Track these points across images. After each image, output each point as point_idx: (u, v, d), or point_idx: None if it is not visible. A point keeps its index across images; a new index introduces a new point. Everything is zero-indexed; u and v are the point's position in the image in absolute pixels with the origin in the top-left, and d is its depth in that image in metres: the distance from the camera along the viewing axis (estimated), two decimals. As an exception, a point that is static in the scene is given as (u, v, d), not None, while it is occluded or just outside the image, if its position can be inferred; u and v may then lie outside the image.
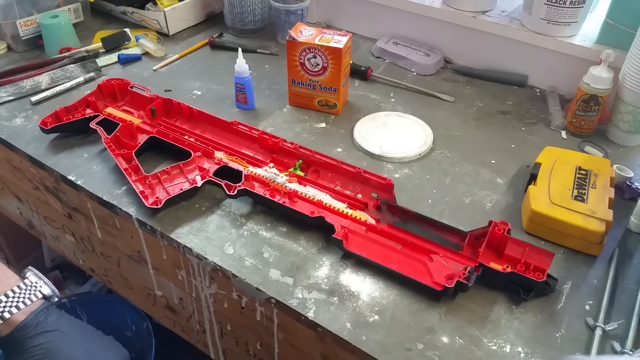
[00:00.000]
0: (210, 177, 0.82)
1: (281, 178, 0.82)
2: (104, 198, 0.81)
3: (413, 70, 1.15)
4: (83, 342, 0.65)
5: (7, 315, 0.61)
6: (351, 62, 1.08)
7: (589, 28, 1.02)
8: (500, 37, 1.08)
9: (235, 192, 0.79)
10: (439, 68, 1.16)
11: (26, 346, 0.61)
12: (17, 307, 0.62)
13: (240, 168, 0.84)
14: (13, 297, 0.62)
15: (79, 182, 0.84)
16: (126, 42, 1.20)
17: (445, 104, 1.05)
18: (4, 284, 0.63)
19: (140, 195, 0.78)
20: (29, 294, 0.64)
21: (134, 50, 1.19)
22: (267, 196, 0.78)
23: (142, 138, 0.89)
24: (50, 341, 0.62)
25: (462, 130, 0.98)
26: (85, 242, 1.04)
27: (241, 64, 0.98)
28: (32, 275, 0.66)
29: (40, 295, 0.64)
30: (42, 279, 0.66)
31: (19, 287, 0.64)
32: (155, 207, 0.76)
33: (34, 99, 1.02)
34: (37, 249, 1.65)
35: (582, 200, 0.74)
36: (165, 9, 1.22)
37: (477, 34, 1.10)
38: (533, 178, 0.79)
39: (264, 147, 0.89)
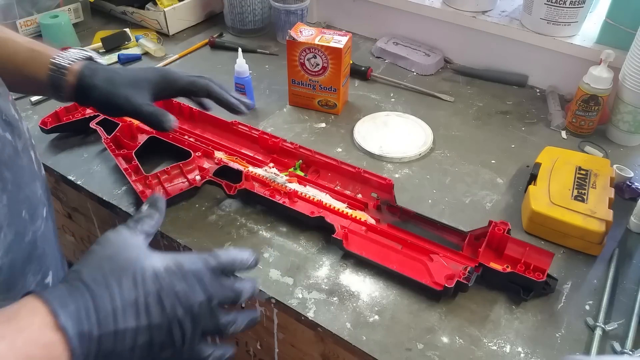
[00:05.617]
0: (210, 177, 0.82)
1: (281, 178, 0.82)
2: (104, 198, 0.81)
3: (413, 70, 1.15)
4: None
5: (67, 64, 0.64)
6: (351, 62, 1.08)
7: (589, 28, 1.02)
8: (500, 37, 1.08)
9: (235, 192, 0.79)
10: (439, 68, 1.16)
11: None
12: (71, 61, 0.64)
13: (240, 168, 0.84)
14: (66, 54, 0.65)
15: (79, 182, 0.84)
16: (126, 42, 1.20)
17: (445, 104, 1.05)
18: (50, 49, 0.65)
19: (140, 195, 0.78)
20: (78, 53, 0.66)
21: (134, 50, 1.19)
22: (267, 196, 0.78)
23: (142, 138, 0.89)
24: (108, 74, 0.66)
25: (462, 130, 0.98)
26: (85, 242, 1.04)
27: (241, 64, 0.98)
28: (73, 48, 0.68)
29: (87, 56, 0.67)
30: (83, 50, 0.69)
31: (65, 50, 0.66)
32: (155, 207, 0.76)
33: (34, 99, 1.01)
34: (37, 249, 1.64)
35: (582, 200, 0.74)
36: (165, 9, 1.22)
37: (477, 34, 1.10)
38: (533, 178, 0.79)
39: (264, 147, 0.89)
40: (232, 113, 0.73)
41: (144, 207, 0.51)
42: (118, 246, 0.45)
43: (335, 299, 0.67)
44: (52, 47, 0.66)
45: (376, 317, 0.65)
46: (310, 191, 0.80)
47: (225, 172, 0.84)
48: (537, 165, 0.81)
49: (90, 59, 0.67)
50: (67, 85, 0.64)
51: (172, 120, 0.66)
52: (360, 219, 0.76)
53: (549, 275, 0.67)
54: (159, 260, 0.45)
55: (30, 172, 0.51)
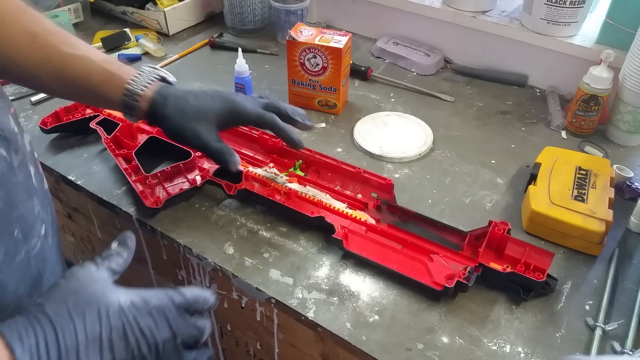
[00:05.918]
0: (210, 177, 0.82)
1: (281, 178, 0.82)
2: (104, 198, 0.82)
3: (413, 70, 1.15)
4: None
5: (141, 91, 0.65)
6: (351, 62, 1.08)
7: (589, 28, 1.02)
8: (500, 37, 1.08)
9: (235, 192, 0.79)
10: (439, 68, 1.16)
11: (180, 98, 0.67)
12: (144, 86, 0.65)
13: (241, 168, 0.84)
14: (139, 78, 0.66)
15: (79, 182, 0.84)
16: (126, 42, 1.20)
17: (445, 104, 1.05)
18: (124, 70, 0.66)
19: (140, 195, 0.78)
20: (151, 75, 0.67)
21: (134, 50, 1.19)
22: (267, 196, 0.78)
23: (142, 138, 0.89)
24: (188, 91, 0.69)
25: (462, 130, 0.98)
26: (85, 242, 1.04)
27: (241, 64, 0.98)
28: (146, 67, 0.69)
29: (159, 76, 0.68)
30: (156, 68, 0.70)
31: (139, 73, 0.67)
32: (155, 207, 0.76)
33: (34, 99, 1.01)
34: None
35: (582, 200, 0.74)
36: (165, 9, 1.22)
37: (477, 34, 1.10)
38: (533, 178, 0.79)
39: (264, 147, 0.89)
40: (291, 148, 0.75)
41: (114, 245, 0.50)
42: (83, 281, 0.45)
43: (335, 299, 0.67)
44: (127, 67, 0.66)
45: (376, 317, 0.65)
46: (310, 191, 0.80)
47: (225, 172, 0.84)
48: (537, 165, 0.81)
49: (163, 79, 0.68)
50: (140, 110, 0.65)
51: (238, 162, 0.68)
52: (360, 219, 0.76)
53: (549, 275, 0.67)
54: (124, 295, 0.45)
55: (26, 188, 0.50)
